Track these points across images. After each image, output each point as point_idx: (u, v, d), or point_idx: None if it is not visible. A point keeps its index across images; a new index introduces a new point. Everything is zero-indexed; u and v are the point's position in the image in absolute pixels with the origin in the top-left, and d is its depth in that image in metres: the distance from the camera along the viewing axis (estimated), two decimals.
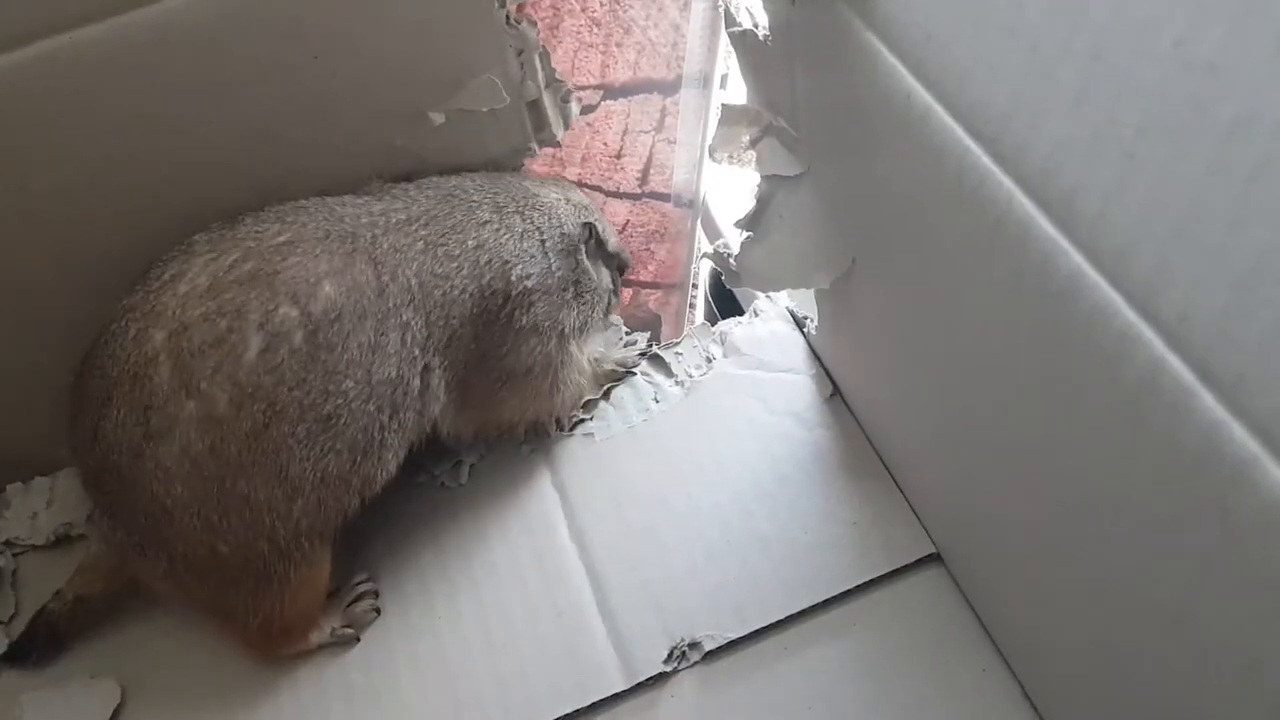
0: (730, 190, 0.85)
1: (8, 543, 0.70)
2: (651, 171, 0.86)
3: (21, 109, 0.57)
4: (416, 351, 0.59)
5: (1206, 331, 0.31)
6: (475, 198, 0.64)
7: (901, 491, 0.65)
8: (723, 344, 0.75)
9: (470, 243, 0.61)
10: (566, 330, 0.66)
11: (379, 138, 0.68)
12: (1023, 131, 0.38)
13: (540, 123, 0.72)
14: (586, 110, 0.79)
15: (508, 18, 0.66)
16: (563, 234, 0.66)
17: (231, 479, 0.55)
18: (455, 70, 0.66)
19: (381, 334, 0.57)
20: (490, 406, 0.66)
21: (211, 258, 0.57)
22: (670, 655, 0.60)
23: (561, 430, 0.72)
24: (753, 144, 0.59)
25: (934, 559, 0.62)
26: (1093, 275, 0.35)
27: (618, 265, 0.73)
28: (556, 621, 0.62)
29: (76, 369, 0.59)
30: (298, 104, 0.64)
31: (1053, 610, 0.51)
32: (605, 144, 0.83)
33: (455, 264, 0.60)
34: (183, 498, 0.55)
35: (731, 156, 0.60)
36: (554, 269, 0.65)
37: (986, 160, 0.40)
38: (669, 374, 0.74)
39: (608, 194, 0.86)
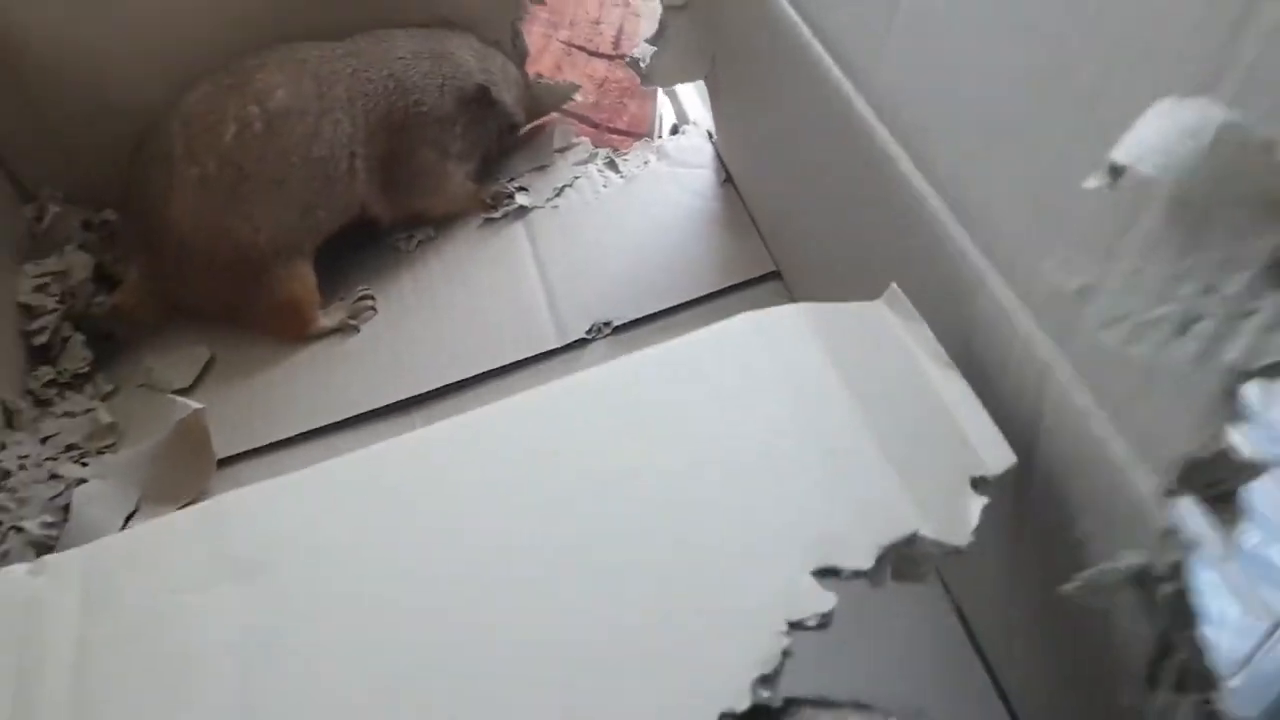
0: None
1: None
2: (623, 38, 1.15)
3: None
4: (344, 139, 0.88)
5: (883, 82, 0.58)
6: (400, 44, 0.93)
7: (761, 238, 0.93)
8: (658, 153, 1.04)
9: (384, 72, 0.91)
10: (451, 152, 0.95)
11: None
12: None
13: None
14: None
15: None
16: (459, 86, 0.94)
17: (220, 216, 0.86)
18: None
19: (319, 127, 0.87)
20: (399, 197, 0.95)
21: (212, 78, 0.88)
22: (590, 329, 0.89)
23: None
24: None
25: (775, 275, 0.90)
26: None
27: (508, 124, 1.00)
28: (514, 306, 0.92)
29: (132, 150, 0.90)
30: None
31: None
32: (587, 12, 1.12)
33: (373, 85, 0.90)
34: (192, 230, 0.86)
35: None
36: (446, 107, 0.93)
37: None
38: (616, 171, 1.03)
39: (590, 54, 1.15)
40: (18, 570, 0.45)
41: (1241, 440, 0.34)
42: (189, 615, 0.42)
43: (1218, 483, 0.35)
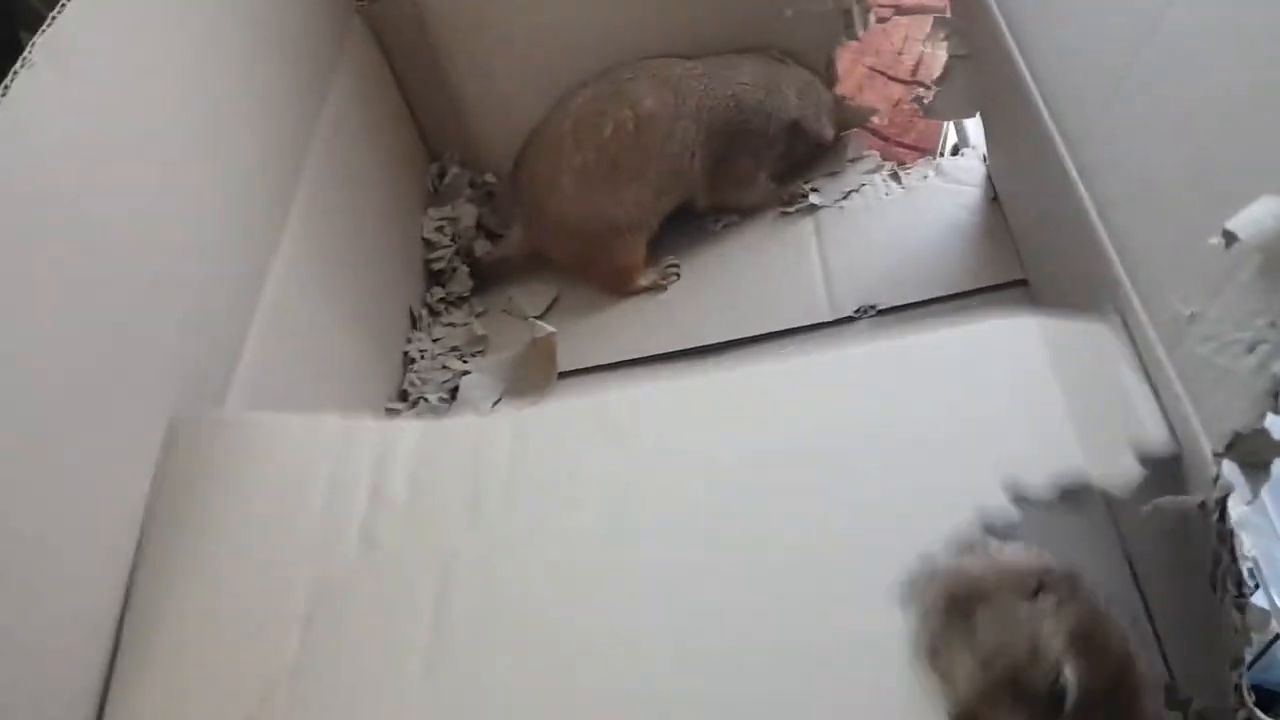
0: None
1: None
2: (921, 68, 1.34)
3: None
4: (689, 141, 1.12)
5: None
6: (744, 70, 1.16)
7: (1016, 251, 1.10)
8: (936, 170, 1.23)
9: (728, 92, 1.13)
10: (764, 163, 1.18)
11: (757, 23, 1.21)
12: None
13: (849, 24, 1.22)
14: (881, 21, 1.29)
15: None
16: (781, 115, 1.16)
17: (594, 195, 1.11)
18: None
19: (672, 130, 1.11)
20: (720, 191, 1.18)
21: (595, 85, 1.14)
22: (858, 310, 1.09)
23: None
24: (946, 39, 1.06)
25: (1022, 283, 1.07)
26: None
27: (816, 144, 1.21)
28: (796, 284, 1.13)
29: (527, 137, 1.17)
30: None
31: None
32: (892, 44, 1.31)
33: (718, 101, 1.13)
34: (571, 207, 1.12)
35: (935, 44, 1.07)
36: (769, 129, 1.16)
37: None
38: (898, 182, 1.23)
39: (889, 78, 1.34)
40: (472, 417, 0.72)
41: (1274, 426, 0.52)
42: (578, 449, 0.67)
43: (1254, 453, 0.52)
